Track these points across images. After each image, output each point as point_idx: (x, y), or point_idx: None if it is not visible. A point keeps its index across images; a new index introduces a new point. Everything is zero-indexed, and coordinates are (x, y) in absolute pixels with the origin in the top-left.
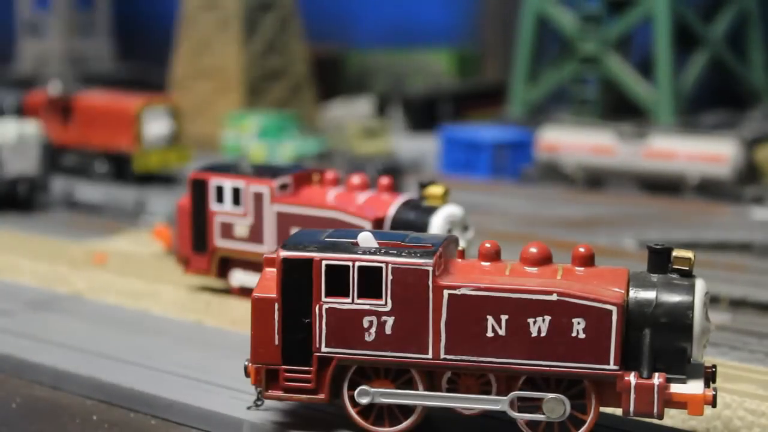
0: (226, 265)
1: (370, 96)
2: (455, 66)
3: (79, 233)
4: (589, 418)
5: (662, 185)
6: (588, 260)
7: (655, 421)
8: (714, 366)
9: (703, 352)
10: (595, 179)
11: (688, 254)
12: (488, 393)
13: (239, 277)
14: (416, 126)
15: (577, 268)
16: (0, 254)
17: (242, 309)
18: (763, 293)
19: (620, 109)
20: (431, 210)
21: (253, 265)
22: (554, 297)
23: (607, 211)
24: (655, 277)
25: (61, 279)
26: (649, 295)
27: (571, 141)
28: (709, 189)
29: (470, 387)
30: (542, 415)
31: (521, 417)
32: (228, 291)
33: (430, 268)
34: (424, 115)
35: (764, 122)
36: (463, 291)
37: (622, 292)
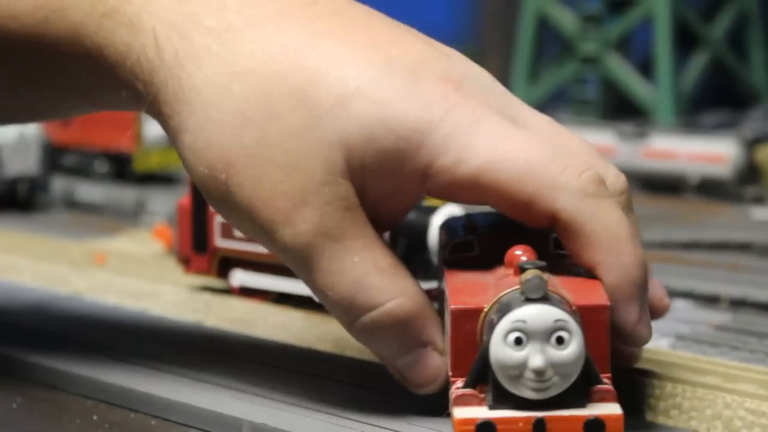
0: (226, 265)
1: None
2: None
3: (79, 233)
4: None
5: (662, 185)
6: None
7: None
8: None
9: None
10: None
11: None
12: None
13: (240, 277)
14: None
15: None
16: (0, 254)
17: (242, 309)
18: (763, 293)
19: (620, 109)
20: (432, 210)
21: (254, 265)
22: None
23: None
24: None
25: (61, 279)
26: None
27: None
28: (709, 189)
29: None
30: None
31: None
32: (228, 291)
33: None
34: None
35: (764, 122)
36: None
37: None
